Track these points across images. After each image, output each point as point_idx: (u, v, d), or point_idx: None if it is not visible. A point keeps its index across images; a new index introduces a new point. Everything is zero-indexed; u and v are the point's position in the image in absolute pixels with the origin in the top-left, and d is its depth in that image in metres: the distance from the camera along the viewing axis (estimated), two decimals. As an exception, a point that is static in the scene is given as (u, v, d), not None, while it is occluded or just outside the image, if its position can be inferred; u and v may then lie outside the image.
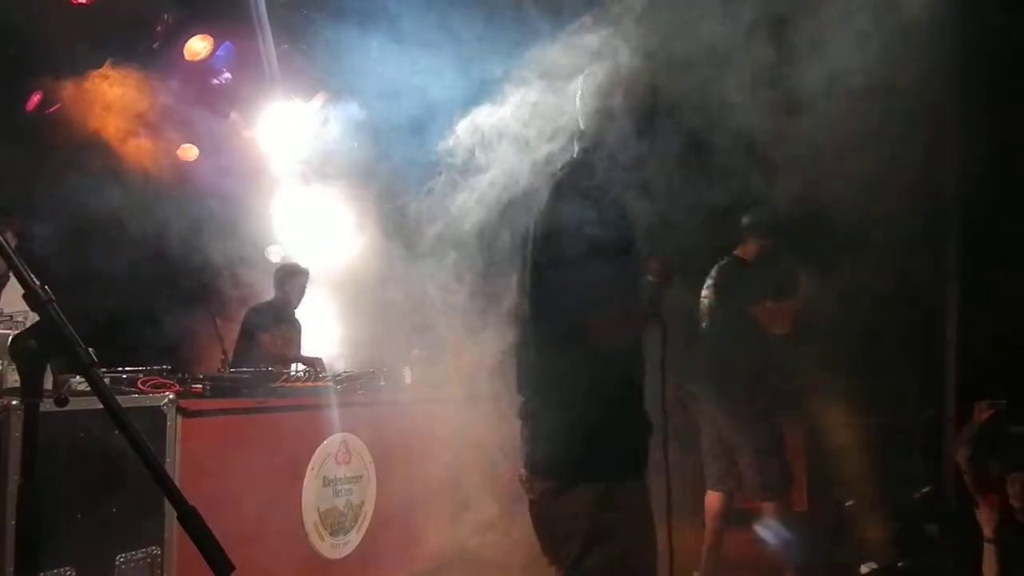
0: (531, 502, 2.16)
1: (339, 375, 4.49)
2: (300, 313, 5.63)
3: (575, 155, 2.23)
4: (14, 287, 3.41)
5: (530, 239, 2.16)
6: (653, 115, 2.24)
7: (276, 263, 5.96)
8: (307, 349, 5.54)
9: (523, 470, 2.18)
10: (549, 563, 2.18)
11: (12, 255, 1.30)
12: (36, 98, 5.10)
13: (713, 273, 4.57)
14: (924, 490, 5.03)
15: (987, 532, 3.35)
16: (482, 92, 2.53)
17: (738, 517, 4.81)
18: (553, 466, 2.09)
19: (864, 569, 4.62)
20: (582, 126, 2.22)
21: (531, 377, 2.20)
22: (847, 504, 5.22)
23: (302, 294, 5.55)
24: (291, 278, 5.53)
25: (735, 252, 4.59)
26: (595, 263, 1.99)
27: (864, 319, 6.16)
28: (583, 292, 2.01)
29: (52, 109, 5.11)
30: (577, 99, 2.23)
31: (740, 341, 4.37)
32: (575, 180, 2.16)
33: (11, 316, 3.17)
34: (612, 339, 2.06)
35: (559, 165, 2.24)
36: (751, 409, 4.32)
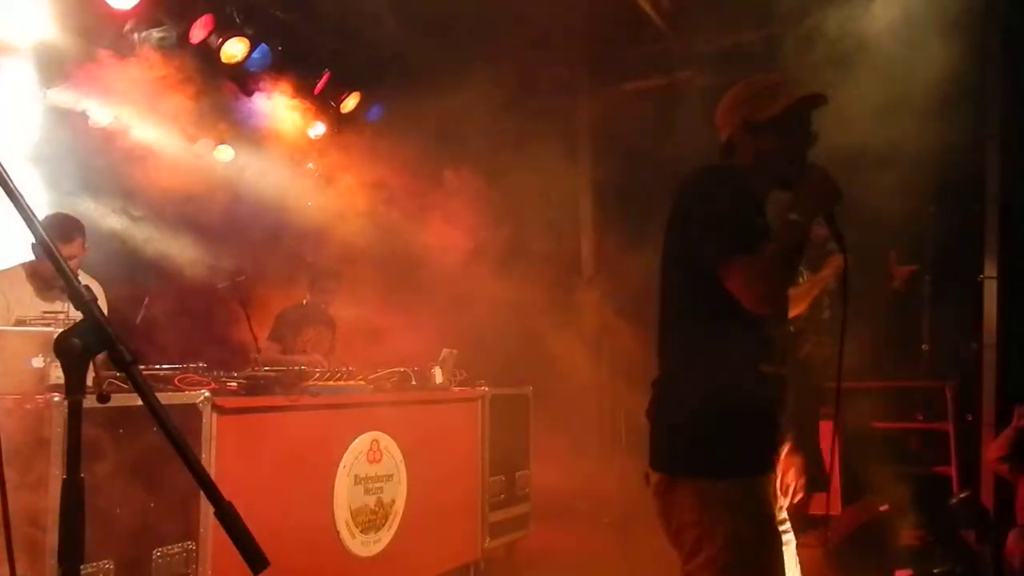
0: (653, 495, 2.21)
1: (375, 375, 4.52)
2: (336, 313, 5.67)
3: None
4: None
5: (675, 219, 2.22)
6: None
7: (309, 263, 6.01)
8: (346, 350, 5.58)
9: (648, 467, 2.24)
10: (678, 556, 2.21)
11: (59, 258, 1.33)
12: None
13: None
14: (961, 495, 4.94)
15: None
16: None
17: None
18: (662, 458, 2.18)
19: (900, 574, 4.55)
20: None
21: (660, 370, 2.28)
22: (882, 509, 5.14)
23: (334, 295, 5.60)
24: (323, 279, 5.57)
25: None
26: (702, 222, 2.10)
27: (901, 322, 6.08)
28: (702, 250, 2.08)
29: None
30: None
31: None
32: (718, 168, 2.31)
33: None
34: (743, 294, 2.04)
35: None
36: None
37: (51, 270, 3.97)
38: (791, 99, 2.24)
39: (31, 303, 3.96)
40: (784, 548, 2.23)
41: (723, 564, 2.03)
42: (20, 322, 3.77)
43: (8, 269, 4.03)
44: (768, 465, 2.24)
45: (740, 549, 2.04)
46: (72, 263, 4.00)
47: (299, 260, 6.05)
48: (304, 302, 5.55)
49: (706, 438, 2.11)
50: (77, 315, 1.32)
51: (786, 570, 2.17)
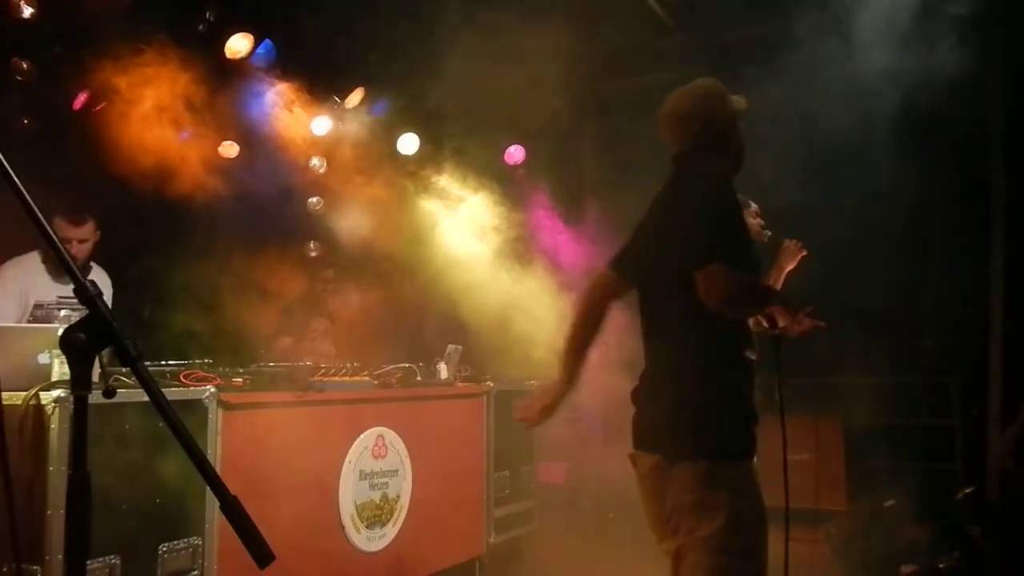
0: (641, 476, 2.30)
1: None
2: (339, 309, 5.68)
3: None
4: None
5: (651, 221, 2.38)
6: None
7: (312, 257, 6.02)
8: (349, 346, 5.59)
9: (633, 449, 2.33)
10: (658, 539, 2.31)
11: (63, 252, 1.33)
12: (83, 97, 5.20)
13: None
14: (967, 491, 4.93)
15: None
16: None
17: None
18: (659, 441, 2.24)
19: (905, 570, 4.54)
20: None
21: (649, 357, 2.37)
22: (887, 504, 5.14)
23: (335, 291, 5.61)
24: (325, 275, 5.59)
25: None
26: (692, 223, 2.21)
27: (907, 318, 6.07)
28: (686, 249, 2.20)
29: (99, 107, 5.21)
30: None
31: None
32: (694, 162, 2.40)
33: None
34: (712, 296, 2.15)
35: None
36: None
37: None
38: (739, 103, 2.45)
39: (46, 288, 3.96)
40: None
41: (721, 542, 2.12)
42: (38, 306, 3.78)
43: (24, 256, 4.03)
44: (755, 447, 2.32)
45: (739, 527, 2.14)
46: (83, 247, 3.98)
47: (302, 254, 6.06)
48: (306, 294, 5.56)
49: (709, 421, 2.20)
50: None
51: None
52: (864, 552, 4.87)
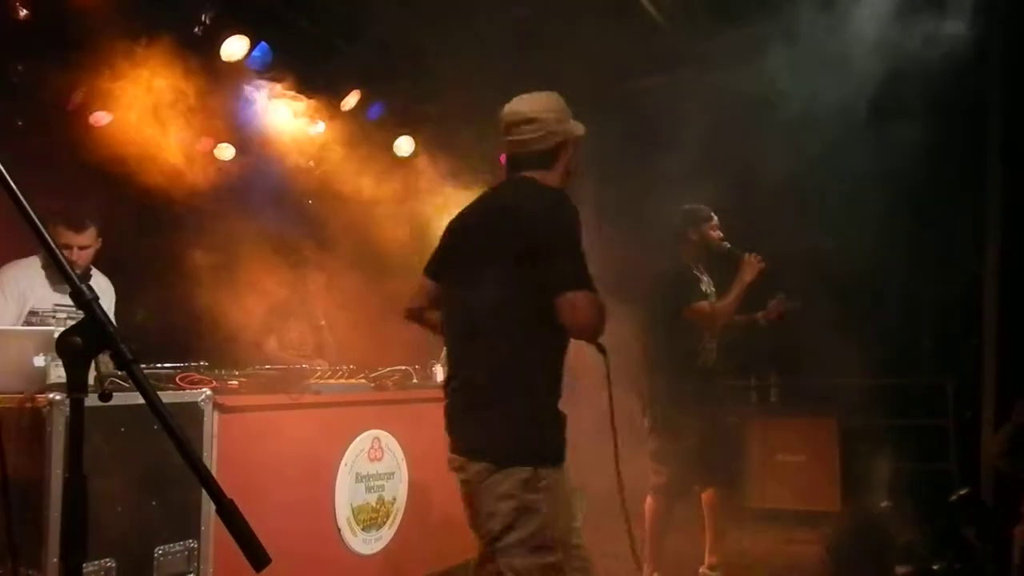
0: (464, 481, 2.43)
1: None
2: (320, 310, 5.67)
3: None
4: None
5: (497, 231, 2.43)
6: None
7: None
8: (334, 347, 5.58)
9: (453, 453, 2.49)
10: (478, 539, 2.46)
11: (59, 255, 1.34)
12: (77, 99, 5.20)
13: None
14: (961, 492, 4.95)
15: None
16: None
17: (764, 517, 4.80)
18: (488, 450, 2.36)
19: (900, 571, 4.56)
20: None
21: (469, 363, 2.49)
22: (882, 505, 5.15)
23: (317, 291, 5.61)
24: (306, 276, 5.58)
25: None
26: (564, 250, 2.31)
27: (901, 318, 6.09)
28: (558, 272, 2.29)
29: (93, 110, 5.21)
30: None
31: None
32: (538, 182, 2.50)
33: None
34: (582, 319, 2.29)
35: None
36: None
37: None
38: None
39: (45, 295, 3.94)
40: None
41: (538, 543, 2.30)
42: (33, 313, 3.77)
43: (25, 260, 4.01)
44: (563, 453, 2.46)
45: (554, 529, 2.32)
46: (84, 253, 3.95)
47: (295, 255, 6.05)
48: (289, 296, 5.55)
49: (537, 431, 2.37)
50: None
51: None
52: (859, 553, 4.89)
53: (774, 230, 5.01)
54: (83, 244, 3.90)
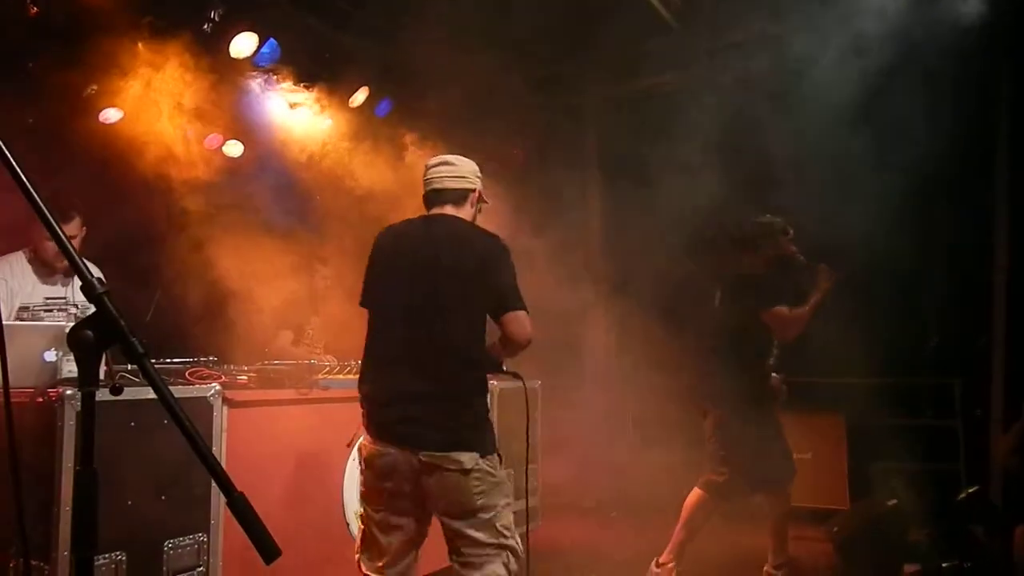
0: (447, 470, 2.73)
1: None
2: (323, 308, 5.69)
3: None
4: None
5: (472, 262, 2.88)
6: None
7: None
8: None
9: (423, 451, 2.74)
10: (455, 517, 2.84)
11: (70, 248, 1.35)
12: (87, 96, 5.21)
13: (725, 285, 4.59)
14: (970, 491, 4.93)
15: None
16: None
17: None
18: (476, 442, 2.78)
19: (908, 570, 4.55)
20: None
21: (428, 367, 2.83)
22: (890, 503, 5.14)
23: (323, 289, 5.62)
24: (324, 273, 5.59)
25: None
26: (514, 277, 2.90)
27: (910, 317, 6.07)
28: (512, 292, 2.87)
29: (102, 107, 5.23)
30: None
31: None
32: (474, 224, 3.08)
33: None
34: (526, 333, 2.86)
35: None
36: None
37: (52, 253, 3.94)
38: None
39: (33, 289, 3.95)
40: None
41: (505, 521, 2.82)
42: (23, 308, 3.78)
43: (8, 256, 4.03)
44: None
45: (509, 506, 2.86)
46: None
47: (304, 252, 6.06)
48: (303, 291, 5.57)
49: (489, 425, 2.89)
50: (80, 299, 1.33)
51: None
52: (867, 551, 4.88)
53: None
54: (70, 235, 3.91)
